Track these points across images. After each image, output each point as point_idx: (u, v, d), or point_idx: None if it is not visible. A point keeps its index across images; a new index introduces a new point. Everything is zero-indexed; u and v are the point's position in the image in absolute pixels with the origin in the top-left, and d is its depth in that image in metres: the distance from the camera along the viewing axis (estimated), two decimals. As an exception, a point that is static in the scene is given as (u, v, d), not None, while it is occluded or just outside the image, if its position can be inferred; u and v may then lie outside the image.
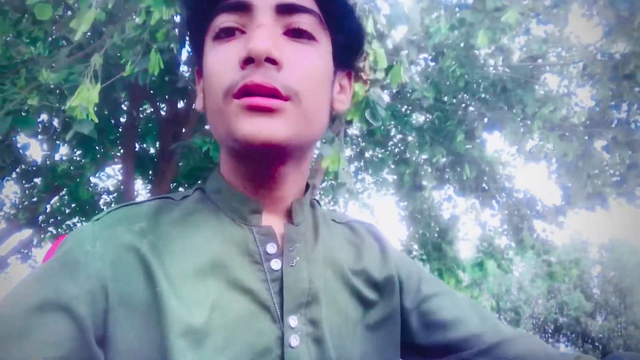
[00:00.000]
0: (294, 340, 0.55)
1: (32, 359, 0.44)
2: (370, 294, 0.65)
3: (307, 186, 0.66)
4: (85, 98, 2.02)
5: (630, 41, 4.04)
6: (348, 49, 0.64)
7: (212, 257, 0.56)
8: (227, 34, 0.56)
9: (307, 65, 0.56)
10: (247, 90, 0.52)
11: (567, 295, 26.68)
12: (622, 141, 4.53)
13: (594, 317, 26.94)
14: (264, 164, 0.58)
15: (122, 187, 6.92)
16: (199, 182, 6.13)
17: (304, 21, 0.57)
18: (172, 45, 2.80)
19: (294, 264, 0.59)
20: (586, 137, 4.62)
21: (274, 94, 0.52)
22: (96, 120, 2.17)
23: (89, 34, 4.39)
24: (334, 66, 0.62)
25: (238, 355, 0.52)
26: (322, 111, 0.60)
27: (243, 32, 0.56)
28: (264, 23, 0.55)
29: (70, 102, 2.04)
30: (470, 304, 0.68)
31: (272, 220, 0.61)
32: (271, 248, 0.58)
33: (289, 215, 0.63)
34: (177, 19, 2.86)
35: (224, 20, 0.56)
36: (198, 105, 0.64)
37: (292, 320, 0.56)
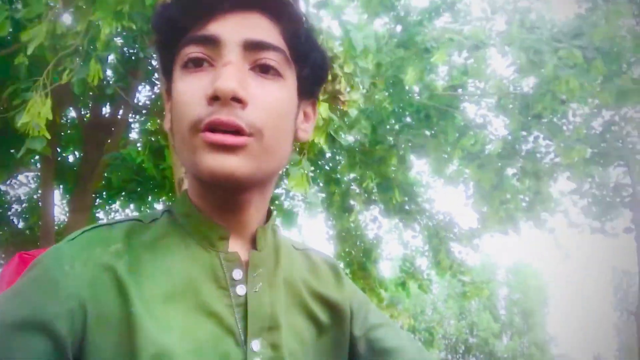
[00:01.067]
0: None
1: None
2: (324, 317, 0.69)
3: (270, 212, 0.70)
4: (37, 114, 1.93)
5: (538, 78, 4.51)
6: (313, 80, 0.68)
7: (181, 282, 0.59)
8: (196, 64, 0.59)
9: (271, 102, 0.59)
10: (212, 126, 0.55)
11: (477, 316, 28.01)
12: (529, 170, 4.99)
13: (500, 337, 28.47)
14: (228, 192, 0.61)
15: (35, 196, 6.47)
16: (123, 194, 5.88)
17: (271, 57, 0.59)
18: (110, 55, 2.74)
19: (257, 290, 0.62)
20: (499, 164, 5.02)
21: (237, 130, 0.55)
22: (49, 137, 2.08)
23: (9, 30, 4.15)
24: (299, 98, 0.66)
25: None
26: (285, 144, 0.63)
27: (211, 64, 0.58)
28: (231, 60, 0.57)
29: (21, 119, 1.94)
30: (408, 336, 0.75)
31: (237, 246, 0.64)
32: (237, 274, 0.61)
33: (253, 240, 0.66)
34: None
35: (192, 50, 0.59)
36: (166, 125, 0.67)
37: (255, 345, 0.59)
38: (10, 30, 4.00)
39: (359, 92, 2.82)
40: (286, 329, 0.63)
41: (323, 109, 2.72)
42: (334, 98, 2.74)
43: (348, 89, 2.74)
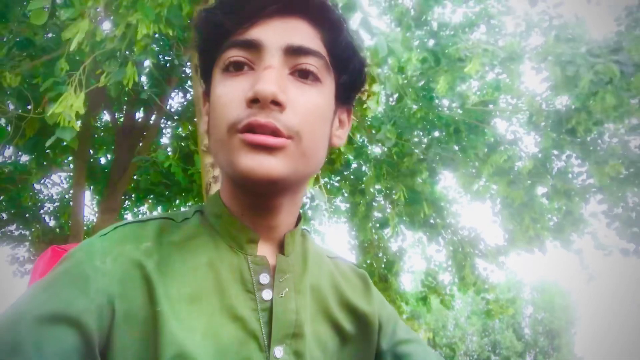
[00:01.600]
0: None
1: None
2: (350, 328, 0.68)
3: (299, 217, 0.70)
4: (69, 106, 2.00)
5: (572, 97, 4.41)
6: (351, 86, 0.68)
7: (208, 283, 0.59)
8: (236, 68, 0.59)
9: (309, 106, 0.59)
10: (251, 128, 0.55)
11: (500, 334, 27.43)
12: (560, 189, 4.87)
13: (524, 357, 27.78)
14: (262, 195, 0.61)
15: (66, 196, 6.64)
16: (151, 196, 5.99)
17: (311, 63, 0.60)
18: (147, 60, 2.81)
19: (283, 295, 0.61)
20: (529, 182, 4.92)
21: (275, 133, 0.55)
22: (77, 129, 2.14)
23: (50, 35, 4.29)
24: (336, 104, 0.66)
25: None
26: (321, 149, 0.63)
27: (251, 68, 0.59)
28: (272, 65, 0.57)
29: (52, 108, 2.01)
30: (436, 355, 0.73)
31: (265, 250, 0.65)
32: (264, 278, 0.61)
33: (282, 244, 0.66)
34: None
35: (234, 54, 0.59)
36: (202, 127, 0.69)
37: (278, 351, 0.59)
38: (54, 35, 4.16)
39: (380, 87, 2.78)
40: (310, 337, 0.62)
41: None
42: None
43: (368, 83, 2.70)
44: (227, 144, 0.57)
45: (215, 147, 0.61)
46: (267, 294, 0.61)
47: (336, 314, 0.68)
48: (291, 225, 0.68)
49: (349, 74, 0.66)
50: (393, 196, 5.18)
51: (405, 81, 4.43)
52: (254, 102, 0.55)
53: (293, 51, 0.59)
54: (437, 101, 5.28)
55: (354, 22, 2.85)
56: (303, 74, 0.60)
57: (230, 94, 0.58)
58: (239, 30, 0.60)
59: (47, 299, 0.51)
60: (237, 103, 0.57)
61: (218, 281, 0.59)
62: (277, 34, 0.59)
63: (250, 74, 0.59)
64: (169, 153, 4.38)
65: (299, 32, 0.60)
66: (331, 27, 0.63)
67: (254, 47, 0.59)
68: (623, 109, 4.10)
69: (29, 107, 4.06)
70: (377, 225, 5.94)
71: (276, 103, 0.55)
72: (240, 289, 0.60)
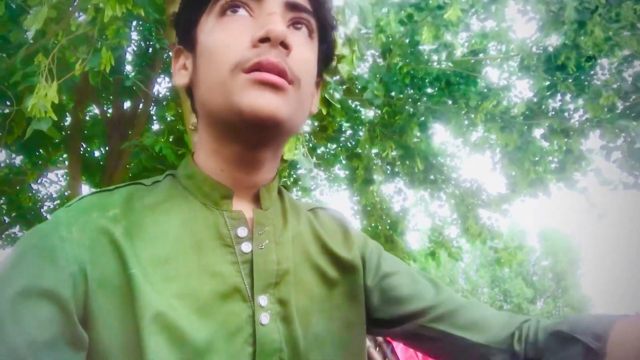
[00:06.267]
0: (264, 318, 0.59)
1: (23, 343, 0.46)
2: (334, 274, 0.69)
3: (277, 173, 0.70)
4: (43, 96, 1.97)
5: (560, 34, 4.35)
6: (326, 57, 0.70)
7: (183, 243, 0.59)
8: (234, 11, 0.60)
9: (308, 56, 0.62)
10: (259, 67, 0.56)
11: (510, 283, 27.91)
12: (557, 129, 4.84)
13: (534, 302, 28.34)
14: (253, 143, 0.61)
15: (66, 193, 6.63)
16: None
17: (307, 19, 0.62)
18: (121, 43, 2.73)
19: (263, 247, 0.62)
20: (525, 127, 4.90)
21: (282, 74, 0.56)
22: (55, 118, 2.10)
23: (27, 32, 4.20)
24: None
25: (211, 336, 0.55)
26: (310, 102, 0.64)
27: (250, 15, 0.59)
28: (276, 12, 0.59)
29: (29, 101, 1.98)
30: (427, 278, 0.73)
31: (241, 205, 0.65)
32: (242, 232, 0.61)
33: (258, 200, 0.66)
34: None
35: None
36: (182, 80, 0.66)
37: (262, 300, 0.59)
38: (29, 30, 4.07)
39: (352, 50, 2.72)
40: (295, 285, 0.63)
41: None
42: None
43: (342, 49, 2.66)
44: (229, 84, 0.56)
45: (210, 89, 0.59)
46: (246, 247, 0.61)
47: (319, 262, 0.68)
48: (268, 181, 0.67)
49: (328, 44, 0.68)
50: (383, 155, 5.16)
51: (390, 39, 4.35)
52: (263, 41, 0.56)
53: (292, 7, 0.60)
54: (425, 56, 5.21)
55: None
56: (299, 29, 0.62)
57: (233, 35, 0.58)
58: None
59: (17, 275, 0.50)
60: (241, 43, 0.57)
61: (194, 240, 0.59)
62: None
63: (249, 19, 0.59)
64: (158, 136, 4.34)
65: None
66: None
67: None
68: (613, 41, 4.04)
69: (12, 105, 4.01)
70: (367, 186, 5.94)
71: (285, 45, 0.56)
72: (218, 244, 0.60)
